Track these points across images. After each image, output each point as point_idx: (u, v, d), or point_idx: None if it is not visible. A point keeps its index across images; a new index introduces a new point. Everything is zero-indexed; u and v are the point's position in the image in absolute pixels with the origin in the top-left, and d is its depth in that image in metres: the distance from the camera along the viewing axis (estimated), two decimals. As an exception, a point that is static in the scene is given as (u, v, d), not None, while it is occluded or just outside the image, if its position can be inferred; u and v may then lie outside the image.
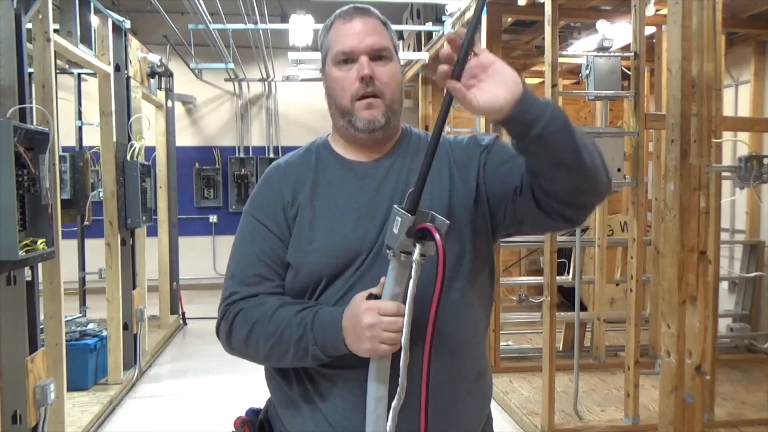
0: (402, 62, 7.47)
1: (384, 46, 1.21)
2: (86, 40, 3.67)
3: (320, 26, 1.25)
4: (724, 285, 4.99)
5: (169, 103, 6.18)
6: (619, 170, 3.31)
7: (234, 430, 1.27)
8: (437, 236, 0.99)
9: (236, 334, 1.21)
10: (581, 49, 4.71)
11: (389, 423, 1.07)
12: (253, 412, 1.30)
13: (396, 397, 1.06)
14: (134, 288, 4.54)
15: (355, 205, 1.20)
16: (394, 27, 6.49)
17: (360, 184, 1.22)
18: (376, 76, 1.18)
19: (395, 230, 1.02)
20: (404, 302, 1.05)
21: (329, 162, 1.27)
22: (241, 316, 1.20)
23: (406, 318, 1.04)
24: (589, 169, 1.05)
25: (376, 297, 1.08)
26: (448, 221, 1.03)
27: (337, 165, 1.26)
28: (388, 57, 1.21)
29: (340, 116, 1.23)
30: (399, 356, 1.06)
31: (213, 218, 8.26)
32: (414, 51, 6.26)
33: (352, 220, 1.19)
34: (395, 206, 1.04)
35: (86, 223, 4.67)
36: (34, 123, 2.72)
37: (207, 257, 8.21)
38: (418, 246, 1.02)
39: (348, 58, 1.20)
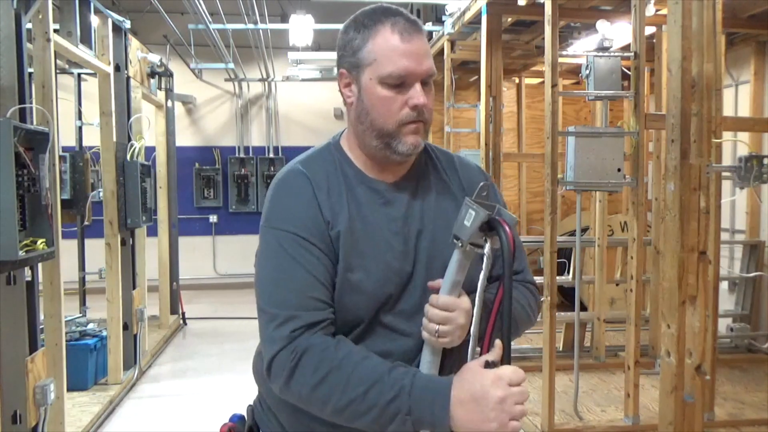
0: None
1: (434, 72, 1.15)
2: (86, 40, 3.67)
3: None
4: (724, 285, 4.99)
5: (169, 103, 6.18)
6: (619, 170, 3.31)
7: None
8: (509, 231, 1.01)
9: (303, 376, 1.04)
10: (581, 49, 4.71)
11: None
12: (238, 418, 1.27)
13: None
14: (134, 288, 4.54)
15: (388, 234, 1.15)
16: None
17: (386, 210, 1.17)
18: (425, 103, 1.13)
19: (467, 222, 1.03)
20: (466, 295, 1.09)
21: (354, 179, 1.19)
22: (315, 355, 1.05)
23: (476, 310, 1.06)
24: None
25: (494, 364, 1.01)
26: (516, 217, 1.05)
27: (361, 184, 1.18)
28: (432, 82, 1.16)
29: (375, 136, 1.14)
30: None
31: (213, 218, 8.27)
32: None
33: (392, 249, 1.15)
34: (467, 198, 1.04)
35: (86, 223, 4.67)
36: (34, 123, 2.72)
37: (207, 257, 8.21)
38: (489, 240, 1.04)
39: (403, 82, 1.11)
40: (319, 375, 1.03)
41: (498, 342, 1.03)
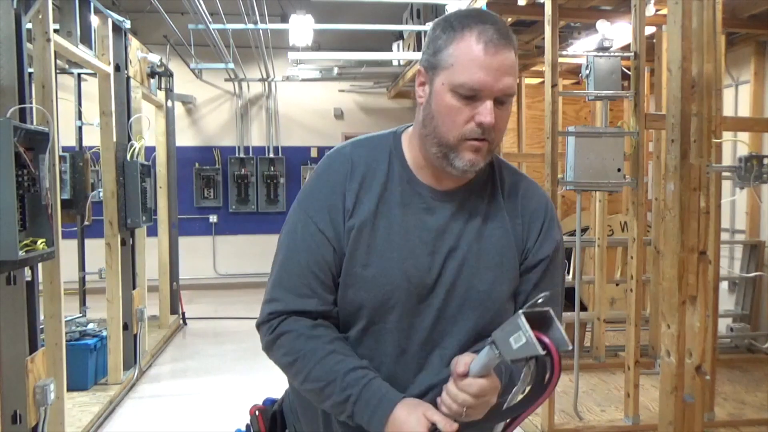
0: (402, 62, 7.47)
1: (513, 92, 1.07)
2: (86, 40, 3.67)
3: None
4: (724, 285, 4.99)
5: (169, 103, 6.18)
6: (619, 170, 3.31)
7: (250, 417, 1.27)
8: (557, 367, 0.94)
9: (278, 354, 1.13)
10: (581, 49, 4.70)
11: None
12: (270, 402, 1.28)
13: None
14: (134, 288, 4.54)
15: (417, 241, 1.11)
16: (395, 27, 6.51)
17: (424, 217, 1.12)
18: (494, 123, 1.06)
19: (513, 343, 0.94)
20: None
21: (399, 175, 1.15)
22: (288, 341, 1.11)
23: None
24: None
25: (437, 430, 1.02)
26: (569, 346, 0.95)
27: (406, 183, 1.14)
28: (510, 101, 1.08)
29: (436, 144, 1.09)
30: None
31: (213, 218, 8.26)
32: (414, 51, 6.26)
33: (414, 256, 1.11)
34: (521, 313, 0.93)
35: (86, 223, 4.67)
36: (34, 123, 2.72)
37: (207, 257, 8.21)
38: (532, 368, 0.97)
39: (474, 95, 1.05)
40: (288, 359, 1.11)
41: (461, 359, 1.01)
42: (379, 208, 1.12)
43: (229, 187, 8.22)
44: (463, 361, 1.00)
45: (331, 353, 1.08)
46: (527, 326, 0.92)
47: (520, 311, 0.93)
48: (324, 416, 1.16)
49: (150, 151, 5.35)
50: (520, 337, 0.93)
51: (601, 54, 3.45)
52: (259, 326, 1.15)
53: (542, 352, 0.92)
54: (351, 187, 1.12)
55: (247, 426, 1.27)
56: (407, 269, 1.10)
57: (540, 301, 0.95)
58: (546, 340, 0.93)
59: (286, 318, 1.11)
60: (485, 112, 1.04)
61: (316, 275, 1.11)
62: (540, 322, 0.94)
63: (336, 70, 7.17)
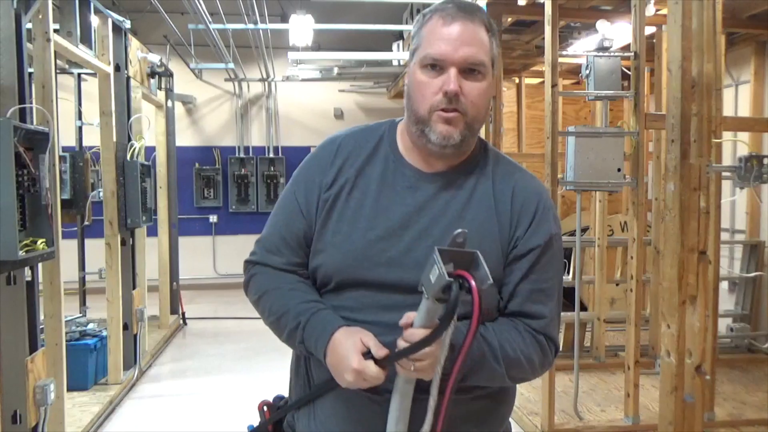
0: (402, 62, 7.46)
1: (479, 61, 1.09)
2: (86, 40, 3.67)
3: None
4: (724, 285, 4.99)
5: (169, 103, 6.18)
6: (619, 170, 3.31)
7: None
8: (476, 297, 0.93)
9: (251, 293, 1.24)
10: (581, 49, 4.71)
11: None
12: (279, 398, 1.29)
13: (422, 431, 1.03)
14: (134, 288, 4.54)
15: (391, 215, 1.14)
16: (395, 27, 6.53)
17: (404, 194, 1.15)
18: (464, 93, 1.09)
19: (431, 278, 0.96)
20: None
21: (386, 154, 1.20)
22: (257, 279, 1.23)
23: (438, 369, 1.01)
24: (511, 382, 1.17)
25: (371, 357, 1.04)
26: (491, 280, 0.95)
27: (392, 162, 1.19)
28: (481, 72, 1.11)
29: (413, 122, 1.14)
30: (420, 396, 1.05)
31: (213, 218, 8.26)
32: (414, 51, 6.25)
33: (382, 229, 1.13)
34: (436, 249, 0.94)
35: (86, 223, 4.67)
36: (34, 123, 2.72)
37: (207, 257, 8.21)
38: (451, 298, 0.96)
39: (436, 65, 1.09)
40: (256, 295, 1.22)
41: (407, 315, 1.03)
42: (356, 181, 1.17)
43: (229, 187, 8.22)
44: (407, 314, 1.03)
45: (292, 290, 1.17)
46: (438, 258, 0.94)
47: (436, 247, 0.95)
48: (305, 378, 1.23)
49: (150, 151, 5.35)
50: (435, 270, 0.95)
51: (601, 54, 3.45)
52: (244, 264, 1.28)
53: (449, 279, 0.92)
54: (335, 163, 1.20)
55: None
56: (371, 239, 1.13)
57: (459, 240, 0.96)
58: (466, 274, 0.94)
59: (257, 265, 1.24)
60: (448, 80, 1.08)
61: (283, 237, 1.21)
62: (468, 264, 0.95)
63: (336, 70, 7.17)
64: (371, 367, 1.02)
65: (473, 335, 0.96)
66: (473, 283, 0.93)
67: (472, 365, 1.07)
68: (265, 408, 1.26)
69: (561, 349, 1.26)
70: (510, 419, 1.30)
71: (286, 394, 1.30)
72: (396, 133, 1.22)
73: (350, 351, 1.04)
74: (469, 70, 1.09)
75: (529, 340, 1.14)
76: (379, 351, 1.03)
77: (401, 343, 1.02)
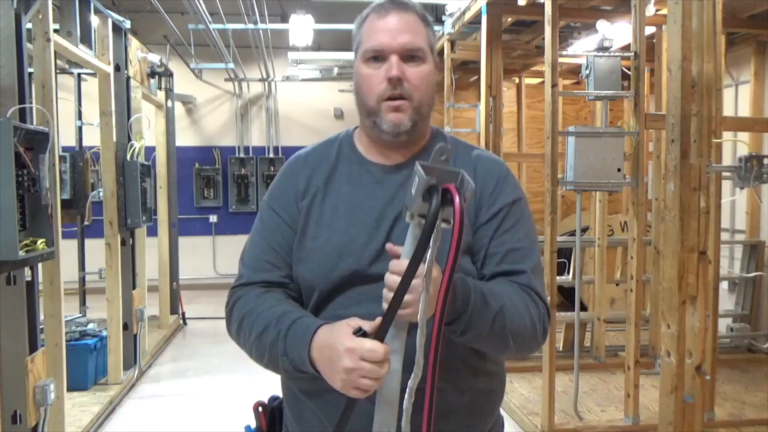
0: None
1: (417, 46, 1.14)
2: (86, 40, 3.67)
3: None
4: (724, 285, 4.99)
5: (169, 103, 6.18)
6: (619, 170, 3.31)
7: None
8: (456, 200, 0.87)
9: (231, 323, 1.18)
10: (581, 49, 4.71)
11: (406, 399, 0.95)
12: (274, 399, 1.29)
13: (412, 375, 0.94)
14: (134, 288, 4.54)
15: (367, 210, 1.16)
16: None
17: (374, 189, 1.18)
18: (406, 78, 1.13)
19: (413, 191, 0.91)
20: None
21: (348, 158, 1.23)
22: (240, 303, 1.17)
23: (423, 293, 0.91)
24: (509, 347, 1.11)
25: (365, 334, 0.97)
26: (473, 184, 0.92)
27: (356, 164, 1.22)
28: (421, 57, 1.15)
29: (365, 115, 1.18)
30: (413, 333, 0.95)
31: (213, 218, 8.26)
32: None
33: (360, 224, 1.15)
34: (417, 163, 0.92)
35: (86, 223, 4.67)
36: (34, 123, 2.72)
37: (207, 257, 8.21)
38: (441, 213, 0.90)
39: (378, 56, 1.14)
40: (237, 321, 1.16)
41: (379, 318, 0.96)
42: (327, 186, 1.20)
43: (229, 187, 8.22)
44: (393, 245, 1.02)
45: (274, 306, 1.12)
46: (420, 168, 0.90)
47: (417, 162, 0.92)
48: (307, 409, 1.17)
49: (150, 151, 5.35)
50: (415, 179, 0.91)
51: (601, 54, 3.45)
52: (225, 310, 1.22)
53: (425, 176, 0.89)
54: (303, 174, 1.23)
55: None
56: (352, 235, 1.15)
57: (442, 157, 0.93)
58: (450, 187, 0.89)
59: (242, 288, 1.19)
60: (390, 66, 1.12)
61: (273, 249, 1.19)
62: (452, 183, 0.91)
63: (336, 70, 7.17)
64: (366, 341, 0.95)
65: (457, 247, 0.87)
66: (456, 195, 0.88)
67: (473, 305, 1.02)
68: (260, 408, 1.26)
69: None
70: (502, 411, 1.29)
71: (281, 394, 1.29)
72: (353, 137, 1.26)
73: (339, 335, 0.99)
74: (409, 57, 1.14)
75: (517, 289, 1.14)
76: (371, 327, 0.97)
77: (388, 277, 0.96)
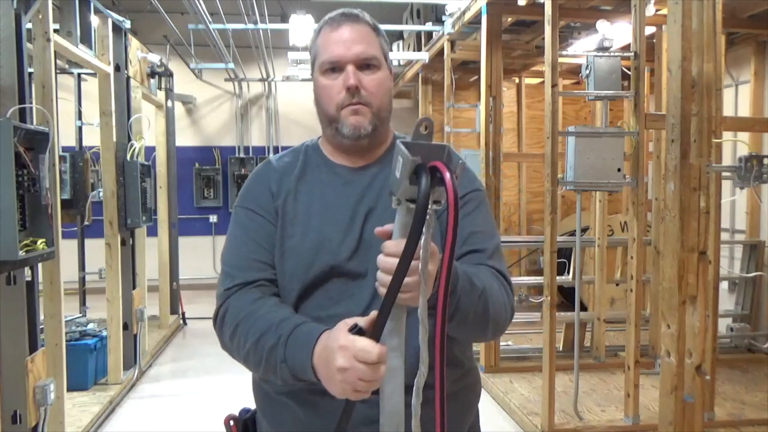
0: (402, 62, 7.46)
1: (371, 55, 1.18)
2: (86, 40, 3.67)
3: (313, 68, 1.27)
4: (724, 285, 4.99)
5: (169, 103, 6.18)
6: (619, 170, 3.31)
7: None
8: (447, 177, 0.80)
9: (225, 330, 1.14)
10: (581, 49, 4.71)
11: (414, 399, 0.89)
12: (245, 411, 1.29)
13: (418, 373, 0.88)
14: (134, 288, 4.54)
15: (339, 209, 1.19)
16: (395, 27, 6.52)
17: (344, 189, 1.21)
18: (363, 86, 1.17)
19: (397, 173, 0.84)
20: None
21: (316, 162, 1.27)
22: (234, 309, 1.14)
23: (422, 286, 0.86)
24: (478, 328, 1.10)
25: (361, 331, 0.91)
26: (462, 159, 0.87)
27: (323, 167, 1.25)
28: (376, 65, 1.19)
29: (327, 124, 1.22)
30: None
31: (213, 218, 8.27)
32: (414, 51, 6.26)
33: (334, 221, 1.17)
34: (398, 141, 0.85)
35: (86, 223, 4.67)
36: (34, 123, 2.72)
37: (207, 257, 8.21)
38: (432, 194, 0.82)
39: (335, 67, 1.18)
40: (232, 327, 1.12)
41: (374, 312, 0.91)
42: (298, 187, 1.22)
43: (229, 187, 8.22)
44: (387, 225, 0.96)
45: (272, 312, 1.10)
46: (402, 146, 0.83)
47: (399, 140, 0.85)
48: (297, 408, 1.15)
49: (150, 151, 5.35)
50: (398, 160, 0.84)
51: (601, 54, 3.45)
52: (215, 315, 1.18)
53: (410, 156, 0.81)
54: (275, 177, 1.25)
55: None
56: (327, 232, 1.16)
57: (424, 131, 0.86)
58: (438, 164, 0.82)
59: (234, 293, 1.16)
60: (347, 76, 1.16)
61: (262, 248, 1.19)
62: (438, 158, 0.84)
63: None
64: (359, 340, 0.90)
65: (454, 229, 0.81)
66: (446, 172, 0.80)
67: (461, 287, 1.02)
68: (231, 422, 1.26)
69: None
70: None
71: (254, 406, 1.28)
72: (319, 144, 1.30)
73: (335, 333, 0.95)
74: (365, 65, 1.18)
75: (486, 270, 1.15)
76: (366, 320, 0.93)
77: (383, 259, 0.91)
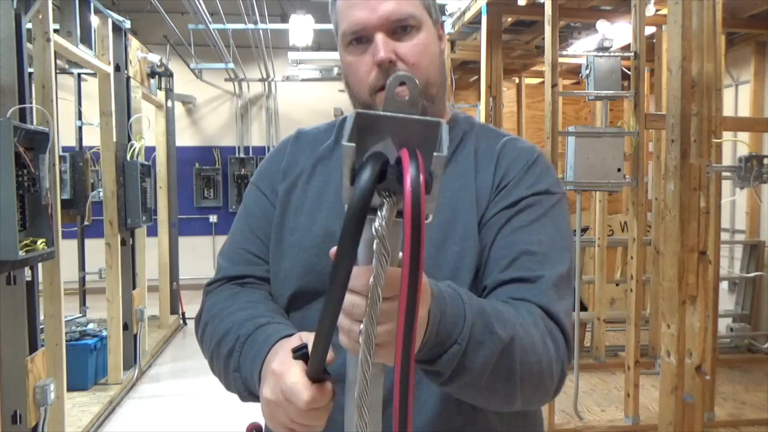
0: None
1: (406, 14, 0.88)
2: (86, 40, 3.67)
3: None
4: (724, 285, 4.99)
5: (169, 103, 6.18)
6: (619, 170, 3.31)
7: None
8: (408, 175, 0.52)
9: (199, 328, 0.95)
10: (581, 49, 4.70)
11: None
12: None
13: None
14: (134, 288, 4.54)
15: None
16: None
17: None
18: (401, 57, 0.87)
19: (343, 179, 0.56)
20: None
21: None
22: (209, 305, 0.94)
23: (366, 317, 0.56)
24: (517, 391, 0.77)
25: (303, 355, 0.67)
26: (444, 153, 0.54)
27: None
28: (414, 26, 0.88)
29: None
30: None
31: (213, 218, 8.27)
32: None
33: (342, 213, 0.85)
34: (349, 115, 0.60)
35: (86, 223, 4.67)
36: (34, 123, 2.72)
37: (207, 257, 8.21)
38: (386, 203, 0.54)
39: (360, 37, 0.89)
40: (202, 327, 0.93)
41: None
42: (315, 169, 0.98)
43: (229, 187, 8.23)
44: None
45: (243, 309, 0.88)
46: (349, 124, 0.56)
47: (355, 110, 0.59)
48: None
49: (150, 151, 5.35)
50: (343, 158, 0.56)
51: (601, 54, 3.45)
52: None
53: (347, 142, 0.55)
54: (293, 151, 1.02)
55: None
56: (333, 229, 0.90)
57: (403, 93, 0.59)
58: (404, 153, 0.53)
59: (216, 288, 0.97)
60: (376, 48, 0.87)
61: (257, 237, 0.98)
62: (421, 141, 0.56)
63: (336, 70, 7.17)
64: (293, 371, 0.66)
65: (411, 255, 0.52)
66: (407, 169, 0.52)
67: (468, 334, 0.69)
68: (254, 431, 1.02)
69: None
70: None
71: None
72: None
73: (274, 352, 0.74)
74: (400, 29, 0.88)
75: (529, 310, 0.81)
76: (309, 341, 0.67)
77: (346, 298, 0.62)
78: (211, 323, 0.90)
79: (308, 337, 0.70)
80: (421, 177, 0.52)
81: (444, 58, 0.96)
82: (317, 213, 0.94)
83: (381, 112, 0.57)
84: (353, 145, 0.55)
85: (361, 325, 0.56)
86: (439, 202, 0.68)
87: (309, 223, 0.94)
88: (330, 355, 0.63)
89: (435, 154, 0.54)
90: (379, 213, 0.54)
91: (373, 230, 0.54)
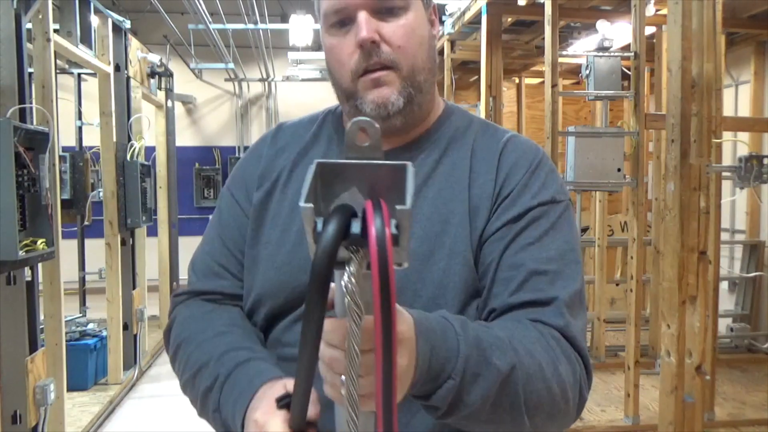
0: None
1: None
2: (86, 40, 3.67)
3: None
4: (724, 285, 4.99)
5: (169, 103, 6.18)
6: (619, 170, 3.31)
7: None
8: (372, 232, 0.50)
9: (170, 346, 0.90)
10: (581, 49, 4.71)
11: None
12: None
13: None
14: (134, 288, 4.54)
15: None
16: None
17: None
18: (385, 39, 0.82)
19: (307, 236, 0.54)
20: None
21: (329, 137, 0.94)
22: (178, 322, 0.89)
23: (345, 372, 0.54)
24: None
25: (285, 405, 0.66)
26: (408, 206, 0.52)
27: (337, 145, 0.92)
28: (401, 6, 0.82)
29: (343, 100, 0.88)
30: None
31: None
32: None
33: None
34: (314, 165, 0.55)
35: (86, 223, 4.67)
36: (34, 123, 2.72)
37: (207, 257, 8.22)
38: (353, 258, 0.53)
39: (343, 18, 0.83)
40: (174, 348, 0.88)
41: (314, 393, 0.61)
42: (293, 173, 0.91)
43: (229, 187, 8.23)
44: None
45: (220, 335, 0.83)
46: (310, 172, 0.54)
47: (316, 160, 0.56)
48: None
49: (150, 151, 5.35)
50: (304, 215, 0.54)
51: (601, 54, 3.45)
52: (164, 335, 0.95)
53: (305, 203, 0.52)
54: (269, 153, 0.95)
55: None
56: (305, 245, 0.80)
57: (363, 143, 0.56)
58: (368, 205, 0.51)
59: (186, 300, 0.92)
60: (359, 27, 0.81)
61: (227, 249, 0.93)
62: (387, 188, 0.54)
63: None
64: (274, 424, 0.65)
65: (383, 317, 0.50)
66: (371, 223, 0.50)
67: (463, 367, 0.66)
68: None
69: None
70: None
71: None
72: (343, 115, 0.95)
73: (261, 396, 0.71)
74: (385, 10, 0.82)
75: (532, 332, 0.76)
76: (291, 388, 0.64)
77: (322, 347, 0.57)
78: (185, 347, 0.86)
79: (292, 385, 0.65)
80: (387, 231, 0.50)
81: (435, 43, 0.90)
82: (291, 225, 0.88)
83: (343, 161, 0.55)
84: (311, 206, 0.53)
85: (343, 377, 0.55)
86: (427, 210, 0.75)
87: (283, 233, 0.88)
88: (313, 410, 0.63)
89: (398, 207, 0.52)
90: (347, 269, 0.52)
91: (343, 287, 0.52)
